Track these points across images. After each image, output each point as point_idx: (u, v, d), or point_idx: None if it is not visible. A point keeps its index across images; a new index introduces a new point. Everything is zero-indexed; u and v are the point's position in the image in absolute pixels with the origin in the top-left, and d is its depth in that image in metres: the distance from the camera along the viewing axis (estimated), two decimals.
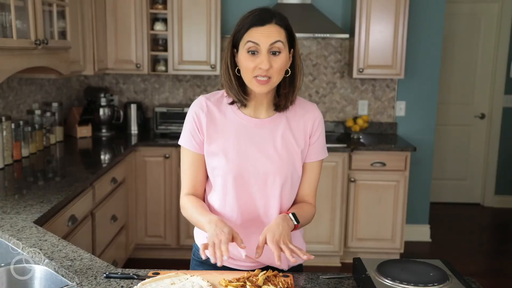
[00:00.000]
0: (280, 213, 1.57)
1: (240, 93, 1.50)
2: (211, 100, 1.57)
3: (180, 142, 1.59)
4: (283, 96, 1.53)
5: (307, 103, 1.62)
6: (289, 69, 1.50)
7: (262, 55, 1.42)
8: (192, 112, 1.56)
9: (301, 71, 1.53)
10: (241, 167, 1.52)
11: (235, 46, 1.48)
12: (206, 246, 1.36)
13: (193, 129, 1.56)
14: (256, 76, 1.44)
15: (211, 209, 1.60)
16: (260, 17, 1.43)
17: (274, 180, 1.54)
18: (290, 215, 1.48)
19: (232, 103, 1.55)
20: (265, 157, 1.53)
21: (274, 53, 1.43)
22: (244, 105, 1.54)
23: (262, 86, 1.45)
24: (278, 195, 1.56)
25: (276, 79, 1.47)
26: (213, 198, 1.59)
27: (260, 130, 1.55)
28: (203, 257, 1.37)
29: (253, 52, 1.43)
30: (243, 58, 1.45)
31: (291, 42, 1.49)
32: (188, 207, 1.55)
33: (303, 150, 1.58)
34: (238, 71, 1.49)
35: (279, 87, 1.53)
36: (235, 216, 1.57)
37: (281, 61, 1.44)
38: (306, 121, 1.58)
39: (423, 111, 4.28)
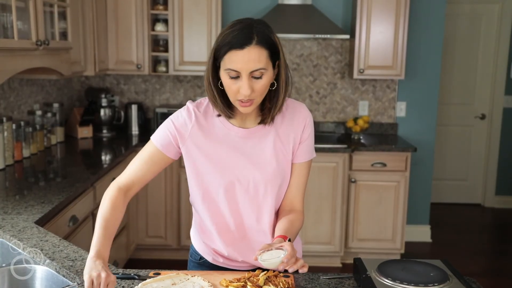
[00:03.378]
0: (274, 219, 1.58)
1: (226, 109, 1.47)
2: (199, 110, 1.53)
3: (152, 137, 1.55)
4: (267, 110, 1.49)
5: (295, 104, 1.57)
6: (274, 82, 1.44)
7: (243, 80, 1.37)
8: (178, 118, 1.52)
9: (287, 82, 1.46)
10: (231, 178, 1.51)
11: (216, 60, 1.42)
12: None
13: (172, 132, 1.52)
14: (238, 99, 1.41)
15: (204, 216, 1.58)
16: (239, 39, 1.35)
17: (266, 190, 1.53)
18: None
19: (219, 115, 1.52)
20: (255, 167, 1.52)
21: (255, 77, 1.38)
22: (230, 117, 1.50)
23: (245, 108, 1.42)
24: (270, 204, 1.56)
25: (259, 99, 1.43)
26: (205, 205, 1.57)
27: (249, 140, 1.52)
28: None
29: (234, 77, 1.38)
30: (225, 79, 1.40)
31: (275, 56, 1.41)
32: (103, 206, 1.48)
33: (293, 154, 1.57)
34: (221, 83, 1.43)
35: (264, 100, 1.47)
36: (228, 224, 1.57)
37: (263, 83, 1.39)
38: (296, 125, 1.55)
39: (423, 112, 4.28)
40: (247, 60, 1.35)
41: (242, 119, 1.52)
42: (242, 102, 1.41)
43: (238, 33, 1.36)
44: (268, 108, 1.49)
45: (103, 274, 1.28)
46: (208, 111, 1.54)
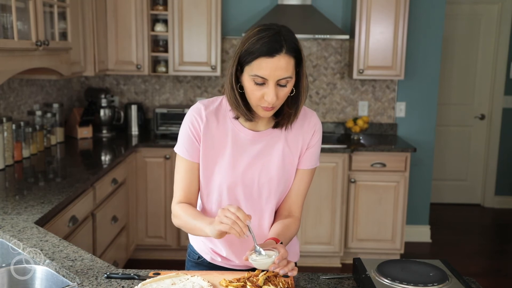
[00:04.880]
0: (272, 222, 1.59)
1: (247, 112, 1.47)
2: (210, 109, 1.53)
3: (176, 149, 1.56)
4: (286, 115, 1.50)
5: (306, 111, 1.58)
6: (293, 88, 1.45)
7: (269, 87, 1.38)
8: (190, 120, 1.53)
9: (306, 90, 1.48)
10: (236, 179, 1.52)
11: (239, 64, 1.42)
12: (223, 234, 1.35)
13: (189, 138, 1.52)
14: (261, 105, 1.42)
15: (207, 215, 1.58)
16: (270, 47, 1.36)
17: (270, 194, 1.54)
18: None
19: (236, 117, 1.52)
20: (261, 170, 1.52)
21: (280, 85, 1.40)
22: (251, 120, 1.50)
23: (267, 112, 1.44)
24: (272, 208, 1.57)
25: (279, 105, 1.45)
26: (209, 206, 1.58)
27: (257, 142, 1.53)
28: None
29: (260, 83, 1.39)
30: (249, 85, 1.41)
31: (300, 64, 1.43)
32: (181, 214, 1.51)
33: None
34: (240, 87, 1.45)
35: (282, 105, 1.49)
36: None
37: (287, 91, 1.42)
38: (305, 130, 1.56)
39: (423, 112, 4.29)
40: (276, 68, 1.36)
41: (255, 122, 1.52)
42: (264, 108, 1.42)
43: (268, 41, 1.36)
44: (288, 114, 1.49)
45: (232, 209, 1.32)
46: (220, 109, 1.54)
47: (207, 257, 1.67)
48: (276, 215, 1.60)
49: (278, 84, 1.39)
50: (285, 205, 1.60)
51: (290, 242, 1.62)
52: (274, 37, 1.37)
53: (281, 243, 1.45)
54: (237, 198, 1.54)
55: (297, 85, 1.46)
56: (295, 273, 1.35)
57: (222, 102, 1.55)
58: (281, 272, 1.33)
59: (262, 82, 1.38)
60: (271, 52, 1.35)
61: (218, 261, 1.65)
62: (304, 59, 1.44)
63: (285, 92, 1.41)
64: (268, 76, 1.37)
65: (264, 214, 1.57)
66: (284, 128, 1.53)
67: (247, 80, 1.41)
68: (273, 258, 1.32)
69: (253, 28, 1.43)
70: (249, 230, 1.33)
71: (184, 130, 1.54)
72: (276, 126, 1.53)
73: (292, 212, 1.60)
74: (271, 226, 1.57)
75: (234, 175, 1.51)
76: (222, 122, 1.53)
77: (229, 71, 1.45)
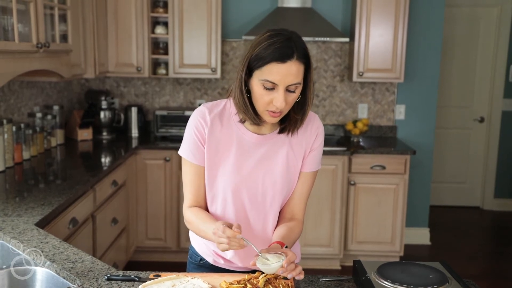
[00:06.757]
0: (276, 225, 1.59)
1: (255, 117, 1.47)
2: (214, 112, 1.53)
3: (181, 153, 1.56)
4: (293, 121, 1.50)
5: (309, 115, 1.58)
6: (300, 95, 1.45)
7: (279, 92, 1.38)
8: (194, 124, 1.52)
9: (312, 96, 1.48)
10: (240, 182, 1.52)
11: (249, 68, 1.42)
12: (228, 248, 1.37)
13: (194, 142, 1.52)
14: (269, 110, 1.42)
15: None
16: (282, 53, 1.36)
17: (274, 197, 1.55)
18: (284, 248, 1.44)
19: (243, 121, 1.52)
20: (265, 174, 1.53)
21: (289, 91, 1.40)
22: (258, 125, 1.51)
23: (274, 118, 1.44)
24: (276, 212, 1.57)
25: (286, 111, 1.45)
26: (213, 209, 1.58)
27: (262, 146, 1.53)
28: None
29: (270, 88, 1.39)
30: (258, 89, 1.41)
31: (309, 71, 1.43)
32: (193, 220, 1.53)
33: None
34: (248, 91, 1.45)
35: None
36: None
37: (295, 97, 1.42)
38: (308, 134, 1.57)
39: (422, 115, 4.30)
40: (287, 74, 1.37)
41: (259, 125, 1.52)
42: (271, 112, 1.42)
43: (280, 46, 1.37)
44: (294, 120, 1.50)
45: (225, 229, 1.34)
46: (224, 114, 1.54)
47: (209, 259, 1.67)
48: (279, 218, 1.61)
49: (287, 89, 1.39)
50: (288, 208, 1.60)
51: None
52: (286, 42, 1.38)
53: (286, 246, 1.45)
54: (241, 201, 1.54)
55: (304, 91, 1.46)
56: (302, 276, 1.35)
57: (226, 105, 1.55)
58: (289, 276, 1.33)
59: (272, 87, 1.39)
60: (283, 57, 1.36)
61: (220, 263, 1.65)
62: (312, 66, 1.44)
63: (293, 97, 1.42)
64: (279, 81, 1.37)
65: (268, 217, 1.57)
66: (292, 134, 1.54)
67: (256, 84, 1.41)
68: (281, 262, 1.33)
69: (263, 33, 1.43)
70: (245, 241, 1.34)
71: (189, 134, 1.54)
72: (282, 131, 1.53)
73: (295, 215, 1.60)
74: (275, 229, 1.58)
75: (238, 178, 1.51)
76: (226, 125, 1.53)
77: (238, 75, 1.44)
